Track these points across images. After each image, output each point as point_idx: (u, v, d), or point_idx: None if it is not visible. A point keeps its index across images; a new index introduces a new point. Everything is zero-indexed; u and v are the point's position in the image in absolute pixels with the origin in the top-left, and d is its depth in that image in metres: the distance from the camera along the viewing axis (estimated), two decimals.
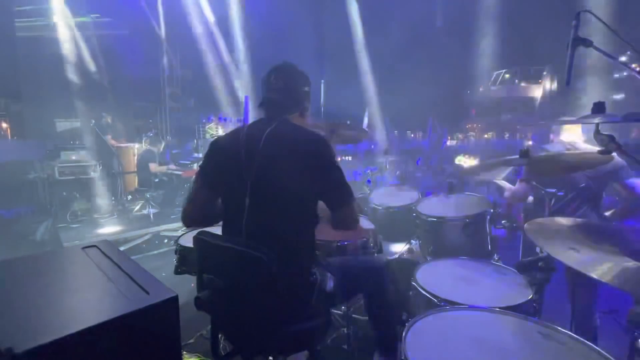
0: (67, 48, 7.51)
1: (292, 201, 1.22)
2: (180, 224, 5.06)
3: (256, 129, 1.31)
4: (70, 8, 7.81)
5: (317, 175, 1.23)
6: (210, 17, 9.35)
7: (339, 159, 4.67)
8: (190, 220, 1.41)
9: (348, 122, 2.55)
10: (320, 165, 1.25)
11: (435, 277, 1.51)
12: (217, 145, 1.39)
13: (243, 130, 1.33)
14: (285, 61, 1.44)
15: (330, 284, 1.25)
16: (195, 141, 7.05)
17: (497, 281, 1.49)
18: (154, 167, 5.58)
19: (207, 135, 8.15)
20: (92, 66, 8.32)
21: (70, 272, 1.02)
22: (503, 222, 1.95)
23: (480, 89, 24.82)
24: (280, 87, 1.37)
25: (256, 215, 1.22)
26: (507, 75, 24.61)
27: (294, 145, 1.25)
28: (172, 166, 5.87)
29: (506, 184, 2.25)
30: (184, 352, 2.00)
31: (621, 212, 2.08)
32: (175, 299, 0.86)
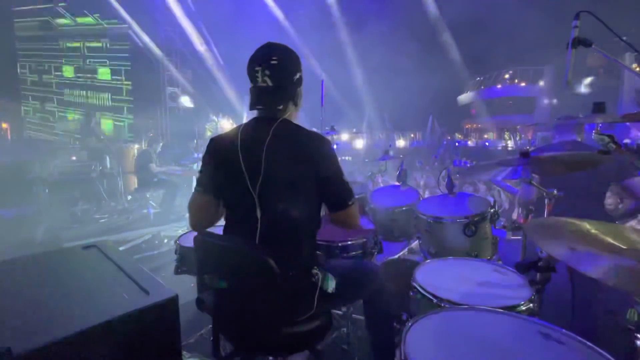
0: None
1: (298, 205, 1.20)
2: (180, 223, 5.09)
3: (255, 131, 1.26)
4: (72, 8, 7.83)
5: (318, 175, 1.20)
6: None
7: (339, 159, 4.65)
8: (198, 225, 1.37)
9: None
10: (320, 164, 1.21)
11: (435, 277, 1.51)
12: (213, 146, 1.33)
13: (239, 132, 1.27)
14: (270, 45, 1.28)
15: (332, 285, 1.24)
16: (195, 141, 7.05)
17: (497, 281, 1.49)
18: (153, 167, 5.58)
19: (208, 133, 8.15)
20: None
21: (70, 272, 1.02)
22: (503, 222, 1.94)
23: (481, 88, 24.81)
24: (270, 85, 1.23)
25: (269, 223, 1.21)
26: (507, 76, 24.64)
27: (298, 148, 1.21)
28: (172, 166, 5.87)
29: (509, 189, 2.23)
30: (184, 352, 2.00)
31: (623, 212, 2.07)
32: (175, 299, 0.86)
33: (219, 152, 1.31)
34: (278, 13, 12.89)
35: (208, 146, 1.34)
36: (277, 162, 1.19)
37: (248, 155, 1.22)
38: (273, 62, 1.22)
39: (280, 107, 1.27)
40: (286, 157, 1.20)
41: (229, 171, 1.24)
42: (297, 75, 1.29)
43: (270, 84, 1.23)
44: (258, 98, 1.26)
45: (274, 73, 1.23)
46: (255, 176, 1.20)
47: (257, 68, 1.23)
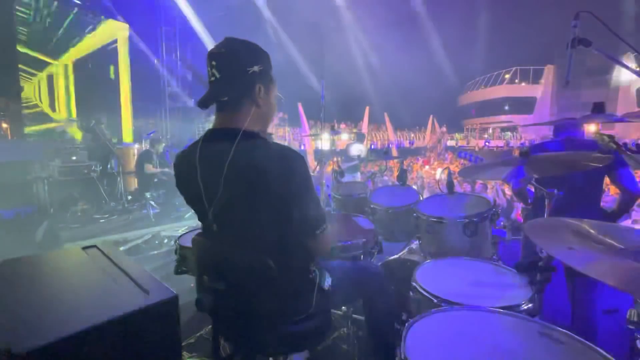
0: None
1: (269, 220, 1.10)
2: (180, 223, 5.10)
3: (214, 149, 1.11)
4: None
5: (281, 201, 1.06)
6: None
7: (336, 159, 4.65)
8: None
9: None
10: (289, 187, 1.05)
11: (435, 277, 1.51)
12: (176, 164, 1.23)
13: (197, 149, 1.14)
14: (226, 38, 1.14)
15: (327, 282, 1.24)
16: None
17: (497, 281, 1.49)
18: (149, 168, 5.59)
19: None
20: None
21: (70, 273, 1.02)
22: (503, 222, 1.94)
23: (482, 88, 24.85)
24: (217, 77, 1.09)
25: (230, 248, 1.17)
26: (507, 75, 24.67)
27: (263, 170, 1.03)
28: (170, 167, 5.88)
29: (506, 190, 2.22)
30: (184, 353, 2.00)
31: (620, 208, 2.07)
32: (175, 299, 0.86)
33: (179, 170, 1.22)
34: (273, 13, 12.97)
35: (173, 165, 1.25)
36: (237, 187, 1.07)
37: (206, 179, 1.11)
38: (221, 51, 1.10)
39: (225, 98, 1.12)
40: (246, 182, 1.05)
41: (189, 193, 1.19)
42: (255, 68, 1.12)
43: (217, 75, 1.10)
44: (206, 94, 1.12)
45: (220, 62, 1.09)
46: (214, 202, 1.11)
47: (209, 63, 1.12)
